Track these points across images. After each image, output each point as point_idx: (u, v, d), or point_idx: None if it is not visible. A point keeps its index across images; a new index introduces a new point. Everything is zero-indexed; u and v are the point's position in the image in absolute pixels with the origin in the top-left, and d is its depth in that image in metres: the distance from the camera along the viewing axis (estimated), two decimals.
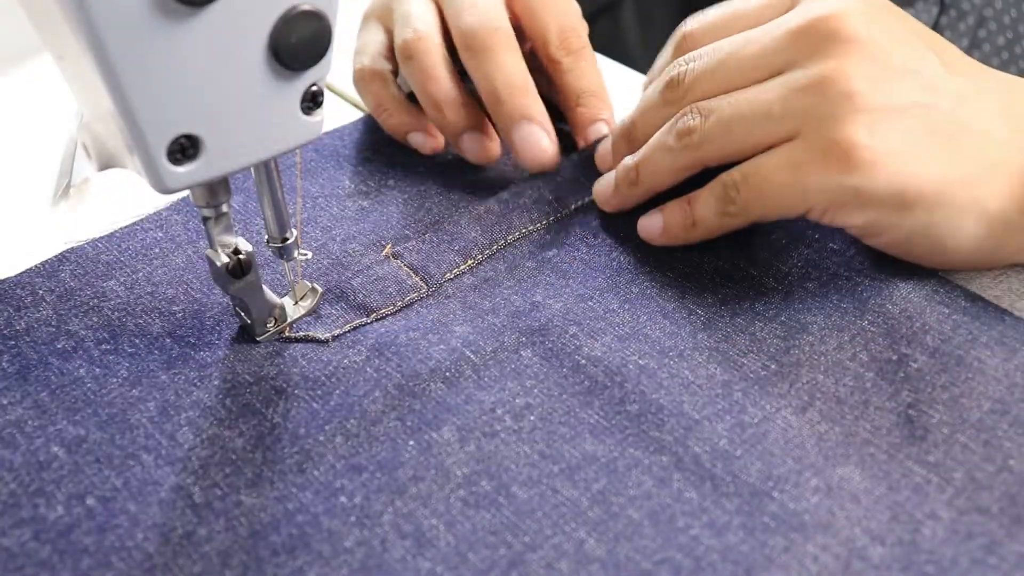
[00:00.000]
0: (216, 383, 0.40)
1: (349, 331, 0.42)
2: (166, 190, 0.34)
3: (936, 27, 0.72)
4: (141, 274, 0.45)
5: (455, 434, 0.37)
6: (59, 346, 0.42)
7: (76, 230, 0.48)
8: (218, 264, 0.39)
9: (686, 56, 0.44)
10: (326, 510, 0.35)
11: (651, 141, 0.45)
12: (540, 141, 0.48)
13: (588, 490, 0.36)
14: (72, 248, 0.46)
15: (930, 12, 0.72)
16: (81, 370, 0.41)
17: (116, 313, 0.43)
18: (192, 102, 0.33)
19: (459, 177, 0.51)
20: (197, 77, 0.32)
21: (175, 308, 0.44)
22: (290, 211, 0.41)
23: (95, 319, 0.43)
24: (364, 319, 0.43)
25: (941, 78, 0.40)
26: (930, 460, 0.36)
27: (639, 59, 0.89)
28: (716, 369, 0.40)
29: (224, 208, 0.38)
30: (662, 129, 0.44)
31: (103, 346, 0.42)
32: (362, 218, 0.49)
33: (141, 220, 0.48)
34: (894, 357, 0.39)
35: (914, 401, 0.38)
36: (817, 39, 0.40)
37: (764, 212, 0.42)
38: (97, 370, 0.41)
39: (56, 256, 0.46)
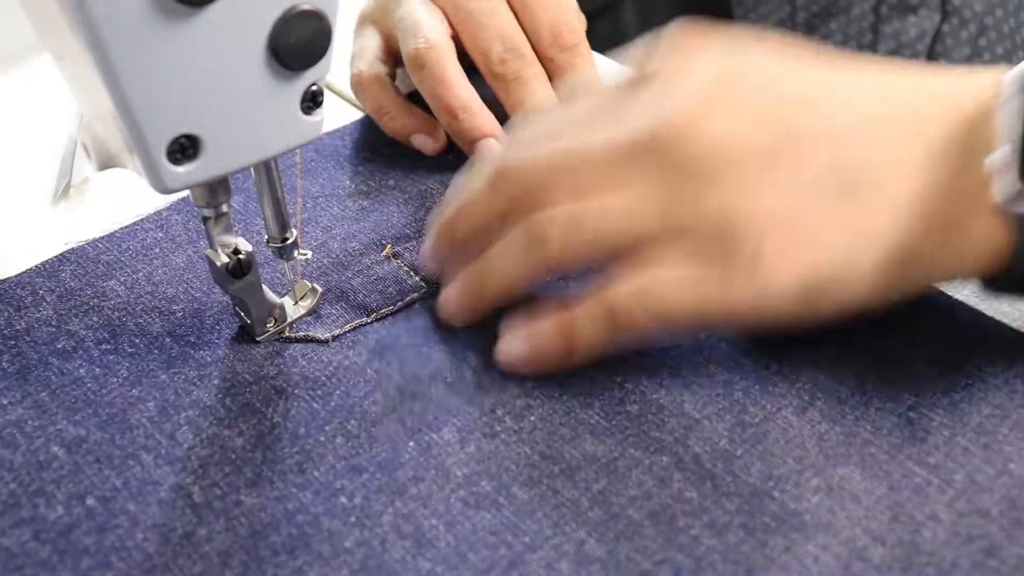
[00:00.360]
0: (216, 383, 0.40)
1: (349, 331, 0.42)
2: (166, 190, 0.34)
3: (938, 34, 0.72)
4: (141, 274, 0.45)
5: (455, 435, 0.37)
6: (59, 346, 0.42)
7: (76, 230, 0.48)
8: (218, 264, 0.39)
9: (519, 156, 0.41)
10: (326, 510, 0.35)
11: (497, 247, 0.41)
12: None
13: (588, 490, 0.36)
14: (72, 248, 0.46)
15: (932, 19, 0.72)
16: (81, 370, 0.41)
17: (116, 313, 0.43)
18: (192, 102, 0.33)
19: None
20: (197, 77, 0.32)
21: (175, 308, 0.44)
22: (290, 211, 0.41)
23: (95, 319, 0.43)
24: (364, 319, 0.43)
25: (805, 143, 0.38)
26: (931, 462, 0.36)
27: None
28: (716, 368, 0.40)
29: (224, 208, 0.38)
30: (513, 233, 0.40)
31: (103, 346, 0.42)
32: (362, 218, 0.49)
33: (141, 220, 0.48)
34: (894, 362, 0.39)
35: (915, 404, 0.38)
36: (663, 156, 0.38)
37: (662, 334, 0.39)
38: (97, 370, 0.41)
39: (56, 256, 0.46)
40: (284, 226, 0.41)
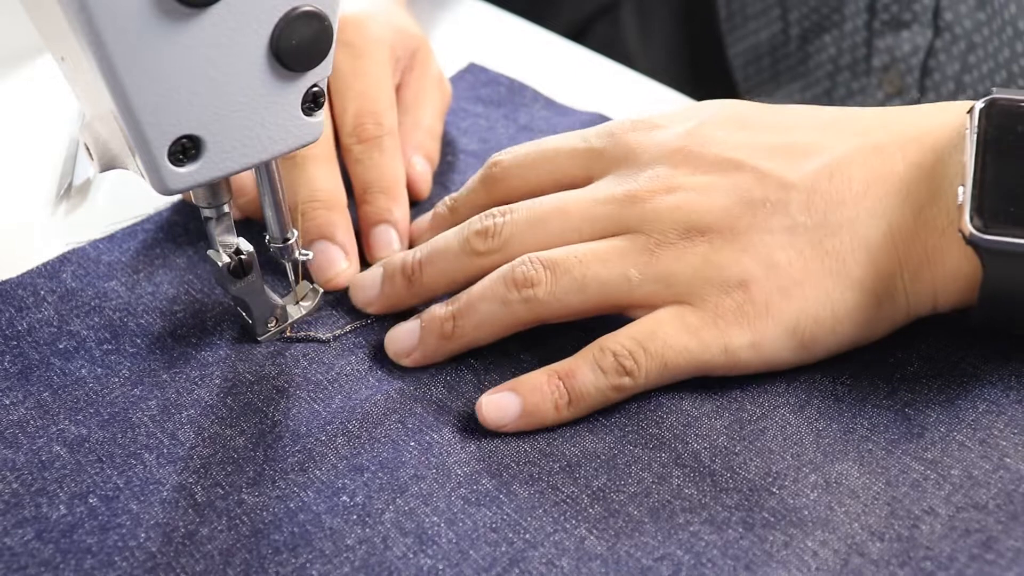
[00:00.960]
0: (217, 382, 0.40)
1: (350, 332, 0.42)
2: (168, 191, 0.34)
3: (931, 50, 0.73)
4: (142, 274, 0.45)
5: (455, 435, 0.38)
6: (61, 346, 0.42)
7: (77, 231, 0.49)
8: (219, 264, 0.39)
9: (499, 209, 0.41)
10: (328, 509, 0.35)
11: (476, 291, 0.40)
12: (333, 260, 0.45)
13: (588, 487, 0.36)
14: (73, 249, 0.46)
15: (925, 35, 0.73)
16: (83, 370, 0.41)
17: (117, 313, 0.43)
18: (193, 103, 0.33)
19: (460, 180, 0.52)
20: (198, 78, 0.32)
21: (176, 308, 0.44)
22: (301, 252, 0.41)
23: (96, 319, 0.43)
24: (365, 320, 0.43)
25: (782, 188, 0.38)
26: (928, 457, 0.36)
27: (639, 59, 0.89)
28: None
29: (225, 208, 0.39)
30: (492, 278, 0.39)
31: (104, 346, 0.42)
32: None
33: (142, 221, 0.48)
34: (890, 360, 0.39)
35: (911, 400, 0.38)
36: (643, 208, 0.39)
37: (662, 382, 0.38)
38: (99, 370, 0.41)
39: (58, 257, 0.46)
40: (285, 226, 0.41)
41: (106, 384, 0.40)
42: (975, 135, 0.36)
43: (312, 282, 0.44)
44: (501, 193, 0.44)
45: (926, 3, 0.71)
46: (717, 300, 0.38)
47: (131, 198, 0.50)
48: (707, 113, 0.42)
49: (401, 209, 0.46)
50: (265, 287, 0.41)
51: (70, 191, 0.52)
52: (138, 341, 0.42)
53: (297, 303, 0.43)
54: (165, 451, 0.38)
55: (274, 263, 0.44)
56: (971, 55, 0.70)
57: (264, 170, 0.39)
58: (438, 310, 0.40)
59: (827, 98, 0.84)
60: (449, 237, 0.42)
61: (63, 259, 0.46)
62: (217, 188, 0.38)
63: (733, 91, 0.89)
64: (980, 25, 0.68)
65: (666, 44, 0.93)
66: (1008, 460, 0.36)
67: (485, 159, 0.51)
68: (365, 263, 0.46)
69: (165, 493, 0.36)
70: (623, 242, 0.39)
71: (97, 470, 0.37)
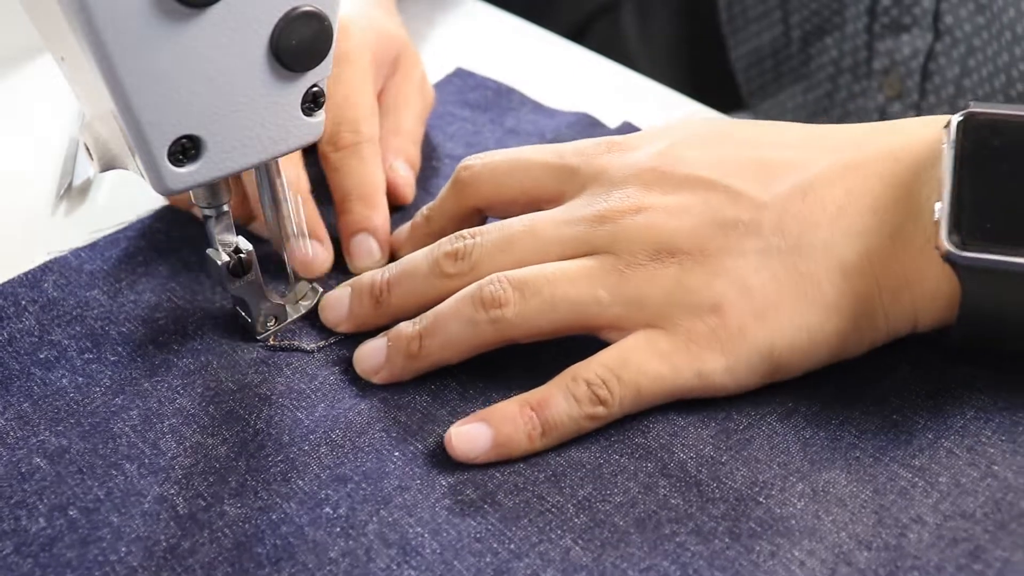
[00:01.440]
0: (200, 391, 0.40)
1: (335, 343, 0.42)
2: (168, 191, 0.35)
3: (931, 54, 0.73)
4: (124, 282, 0.45)
5: (440, 444, 0.37)
6: (42, 356, 0.41)
7: (77, 231, 0.49)
8: (219, 263, 0.39)
9: (469, 231, 0.41)
10: (311, 520, 0.35)
11: (444, 310, 0.39)
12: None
13: (574, 496, 0.35)
14: (55, 258, 0.46)
15: (925, 38, 0.73)
16: (64, 380, 0.40)
17: (99, 322, 0.43)
18: (193, 103, 0.33)
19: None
20: (198, 78, 0.32)
21: (158, 316, 0.43)
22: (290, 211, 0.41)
23: (78, 328, 0.43)
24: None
25: (754, 208, 0.38)
26: (916, 464, 0.36)
27: (639, 59, 0.89)
28: None
29: (225, 207, 0.39)
30: (460, 297, 0.39)
31: (86, 355, 0.41)
32: None
33: (123, 228, 0.48)
34: (879, 365, 0.39)
35: (899, 406, 0.38)
36: (613, 228, 0.38)
37: (636, 408, 0.38)
38: (80, 379, 0.40)
39: (39, 266, 0.46)
40: (284, 227, 0.41)
41: (87, 394, 0.40)
42: (952, 150, 0.35)
43: (311, 281, 0.44)
44: (471, 199, 0.43)
45: (926, 7, 0.71)
46: (690, 324, 0.37)
47: (131, 198, 0.50)
48: (681, 133, 0.41)
49: (380, 216, 0.46)
50: (264, 286, 0.41)
51: (70, 191, 0.52)
52: (120, 350, 0.42)
53: (296, 302, 0.43)
54: (147, 461, 0.37)
55: (273, 262, 0.44)
56: (971, 59, 0.70)
57: (264, 170, 0.39)
58: (405, 328, 0.40)
59: (828, 100, 0.84)
60: (418, 258, 0.41)
61: (45, 268, 0.45)
62: (217, 188, 0.38)
63: (735, 93, 0.89)
64: (979, 29, 0.68)
65: (666, 44, 0.93)
66: (996, 468, 0.35)
67: None
68: (349, 273, 0.45)
69: (147, 505, 0.36)
70: (593, 262, 0.38)
71: (77, 481, 0.37)
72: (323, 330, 0.43)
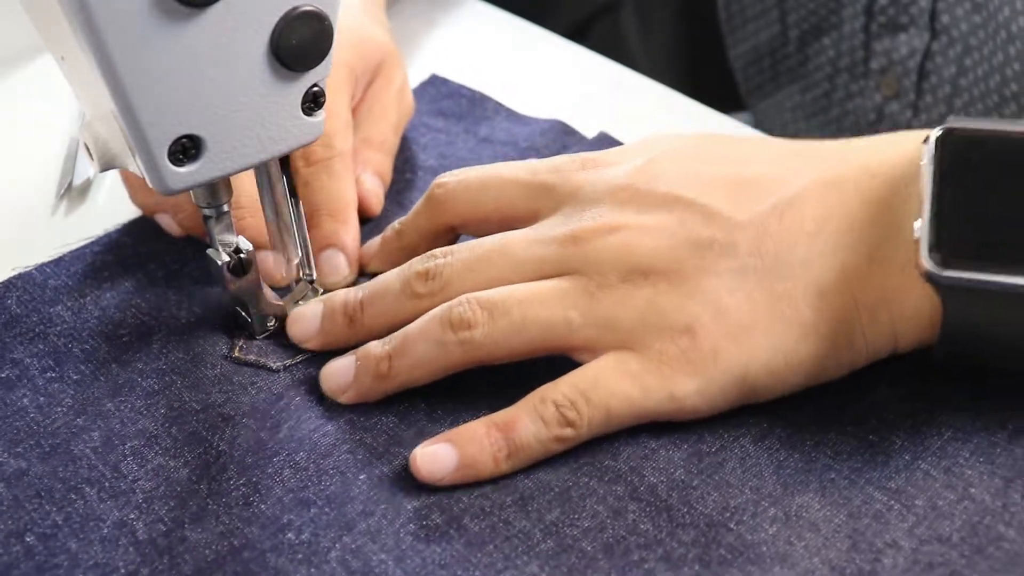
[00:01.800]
0: (163, 411, 0.39)
1: (301, 362, 0.41)
2: (168, 190, 0.35)
3: (928, 53, 0.73)
4: (89, 298, 0.44)
5: (406, 467, 0.36)
6: (3, 375, 0.41)
7: (77, 231, 0.48)
8: (219, 263, 0.39)
9: (441, 250, 0.40)
10: (273, 547, 0.34)
11: (413, 331, 0.38)
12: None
13: (541, 521, 0.35)
14: (19, 273, 0.45)
15: (922, 38, 0.72)
16: (25, 399, 0.40)
17: (62, 339, 0.42)
18: (194, 102, 0.33)
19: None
20: (199, 78, 0.33)
21: (122, 332, 0.42)
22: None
23: (40, 346, 0.42)
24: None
25: (731, 228, 0.37)
26: (891, 487, 0.35)
27: (639, 59, 0.89)
28: None
29: (225, 207, 0.39)
30: (429, 318, 0.38)
31: (48, 374, 0.41)
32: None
33: (90, 243, 0.47)
34: (857, 385, 0.38)
35: (875, 427, 0.37)
36: (586, 249, 0.38)
37: (606, 431, 0.37)
38: (41, 399, 0.40)
39: (2, 282, 0.45)
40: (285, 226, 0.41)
41: (48, 414, 0.39)
42: (931, 166, 0.34)
43: (311, 282, 0.43)
44: (444, 217, 0.42)
45: (923, 6, 0.71)
46: (662, 347, 0.36)
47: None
48: (659, 149, 0.41)
49: (350, 232, 0.45)
50: (264, 286, 0.41)
51: (70, 191, 0.52)
52: (82, 368, 0.41)
53: (296, 303, 0.43)
54: (107, 485, 0.36)
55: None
56: (967, 58, 0.70)
57: (264, 170, 0.39)
58: (374, 348, 0.39)
59: (826, 100, 0.84)
60: (390, 278, 0.41)
61: (8, 284, 0.44)
62: (217, 188, 0.38)
63: (734, 92, 0.89)
64: (976, 28, 0.68)
65: (666, 44, 0.93)
66: (973, 490, 0.35)
67: None
68: None
69: (105, 530, 0.35)
70: (565, 283, 0.38)
71: (35, 506, 0.36)
72: (289, 346, 0.42)
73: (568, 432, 0.36)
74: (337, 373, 0.39)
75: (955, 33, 0.70)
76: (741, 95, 0.89)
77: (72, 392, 0.40)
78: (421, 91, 0.57)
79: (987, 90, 0.68)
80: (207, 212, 0.38)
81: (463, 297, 0.38)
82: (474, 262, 0.39)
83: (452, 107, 0.56)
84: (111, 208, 0.50)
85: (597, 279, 0.37)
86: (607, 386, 0.36)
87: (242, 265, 0.40)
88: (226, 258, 0.39)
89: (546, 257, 0.38)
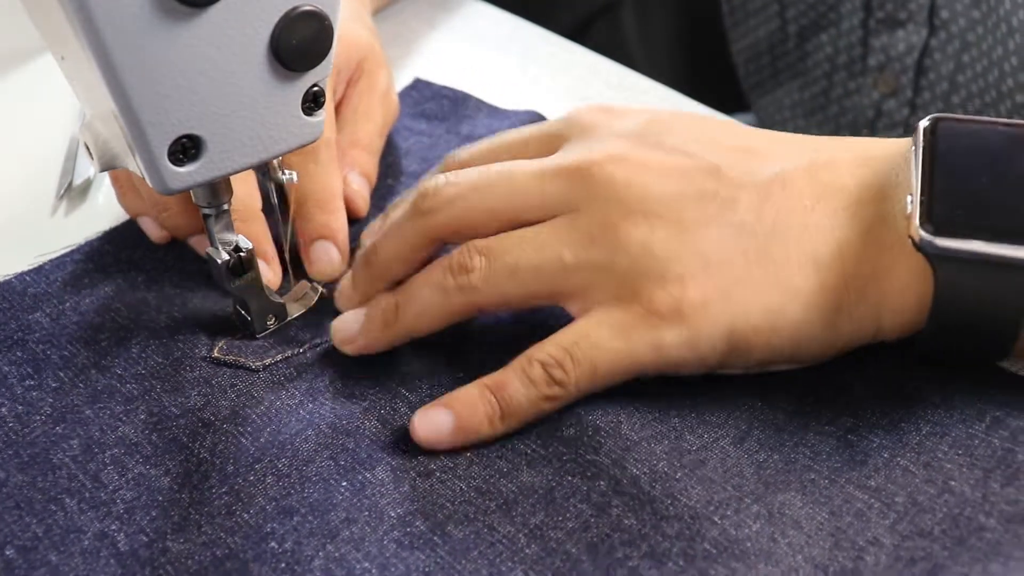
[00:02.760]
0: (142, 417, 0.39)
1: (281, 361, 0.41)
2: (168, 190, 0.35)
3: (926, 48, 0.73)
4: (68, 304, 0.44)
5: (389, 474, 0.36)
6: None
7: (77, 231, 0.48)
8: (219, 261, 0.39)
9: (446, 173, 0.40)
10: (255, 556, 0.34)
11: (418, 277, 0.40)
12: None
13: (525, 525, 0.35)
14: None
15: (920, 34, 0.73)
16: (3, 408, 0.39)
17: (41, 345, 0.42)
18: (194, 102, 0.33)
19: None
20: (199, 78, 0.33)
21: (101, 337, 0.42)
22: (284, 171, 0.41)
23: (19, 354, 0.41)
24: (297, 349, 0.41)
25: (734, 186, 0.37)
26: (871, 484, 0.35)
27: (639, 59, 0.89)
28: (652, 391, 0.38)
29: (225, 206, 0.39)
30: (433, 265, 0.39)
31: (27, 382, 0.40)
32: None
33: (71, 251, 0.47)
34: (833, 382, 0.38)
35: (853, 425, 0.37)
36: (591, 182, 0.38)
37: (595, 387, 0.37)
38: (20, 407, 0.39)
39: None
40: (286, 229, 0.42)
41: (27, 423, 0.39)
42: (921, 148, 0.35)
43: (311, 281, 0.44)
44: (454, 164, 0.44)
45: (922, 1, 0.71)
46: (651, 294, 0.36)
47: None
48: (667, 113, 0.41)
49: (339, 222, 0.45)
50: (264, 284, 0.41)
51: (70, 191, 0.52)
52: (61, 375, 0.41)
53: (296, 301, 0.43)
54: (87, 495, 0.36)
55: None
56: (965, 54, 0.70)
57: (265, 170, 0.40)
58: (384, 297, 0.40)
59: (824, 98, 0.84)
60: (398, 211, 0.42)
61: None
62: (217, 188, 0.38)
63: (735, 92, 0.89)
64: (975, 23, 0.68)
65: (666, 44, 0.94)
66: (953, 483, 0.35)
67: None
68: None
69: (86, 542, 0.35)
70: (563, 223, 0.38)
71: (15, 518, 0.35)
72: (269, 346, 0.42)
73: (557, 391, 0.37)
74: (347, 324, 0.41)
75: (954, 28, 0.70)
76: (743, 92, 0.89)
77: (51, 400, 0.40)
78: (404, 95, 0.57)
79: (985, 86, 0.68)
80: (207, 211, 0.38)
81: (468, 244, 0.39)
82: (479, 183, 0.39)
83: (435, 109, 0.56)
84: (111, 208, 0.50)
85: (598, 217, 0.37)
86: (593, 341, 0.36)
87: (242, 264, 0.40)
88: (226, 256, 0.39)
89: (551, 191, 0.39)
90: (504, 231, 0.39)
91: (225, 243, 0.40)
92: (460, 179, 0.40)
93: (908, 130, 0.77)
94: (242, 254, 0.40)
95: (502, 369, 0.37)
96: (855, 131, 0.81)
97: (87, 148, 0.36)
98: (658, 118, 0.41)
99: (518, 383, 0.37)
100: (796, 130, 0.85)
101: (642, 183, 0.37)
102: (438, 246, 0.41)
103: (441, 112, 0.56)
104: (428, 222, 0.40)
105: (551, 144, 0.42)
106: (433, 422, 0.37)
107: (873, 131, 0.80)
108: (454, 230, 0.40)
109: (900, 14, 0.73)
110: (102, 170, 0.36)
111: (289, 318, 0.43)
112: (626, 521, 0.34)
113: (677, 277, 0.36)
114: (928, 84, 0.74)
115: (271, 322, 0.42)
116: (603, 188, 0.38)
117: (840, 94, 0.81)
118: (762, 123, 0.87)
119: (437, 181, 0.40)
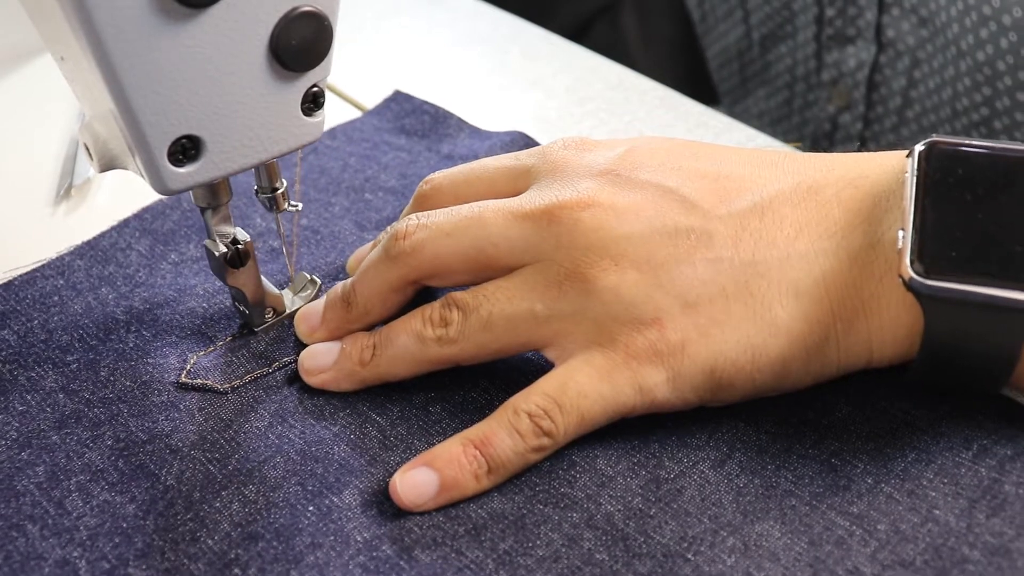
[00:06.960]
0: (109, 443, 0.38)
1: (249, 381, 0.40)
2: (167, 191, 0.35)
3: (875, 65, 0.73)
4: (36, 322, 0.43)
5: (357, 497, 0.36)
6: None
7: (77, 231, 0.48)
8: (216, 254, 0.39)
9: (417, 214, 0.40)
10: None
11: (397, 323, 0.39)
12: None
13: (494, 550, 0.34)
14: None
15: (869, 51, 0.73)
16: None
17: (7, 365, 0.41)
18: (193, 103, 0.33)
19: (378, 218, 0.50)
20: (198, 78, 0.33)
21: (69, 358, 0.41)
22: (291, 204, 0.41)
23: None
24: (266, 368, 0.41)
25: (710, 219, 0.36)
26: (853, 511, 0.34)
27: (639, 59, 0.89)
28: (632, 420, 0.38)
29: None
30: (414, 312, 0.39)
31: None
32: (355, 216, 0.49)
33: (42, 267, 0.46)
34: (817, 404, 0.37)
35: (837, 449, 0.36)
36: (559, 229, 0.37)
37: (582, 433, 0.36)
38: None
39: None
40: (275, 175, 0.40)
41: None
42: (915, 178, 0.34)
43: (310, 273, 0.44)
44: (434, 207, 0.42)
45: (869, 19, 0.71)
46: (628, 339, 0.35)
47: (131, 198, 0.50)
48: (642, 142, 0.40)
49: None
50: (262, 277, 0.41)
51: (70, 191, 0.52)
52: (28, 398, 0.40)
53: (295, 294, 0.43)
54: (50, 522, 0.35)
55: (271, 254, 0.44)
56: (916, 71, 0.70)
57: (264, 170, 0.39)
58: (362, 336, 0.40)
59: (787, 107, 0.83)
60: (372, 253, 0.41)
61: None
62: (217, 188, 0.38)
63: None
64: (923, 42, 0.68)
65: (666, 44, 0.93)
66: (937, 512, 0.34)
67: (405, 195, 0.49)
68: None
69: (47, 569, 0.34)
70: (533, 272, 0.37)
71: None
72: (238, 363, 0.41)
73: (545, 441, 0.36)
74: (318, 354, 0.40)
75: (901, 47, 0.70)
76: (719, 95, 0.89)
77: (16, 424, 0.39)
78: (384, 108, 0.57)
79: (939, 102, 0.68)
80: (203, 204, 0.38)
81: (447, 296, 0.38)
82: (451, 230, 0.39)
83: (415, 125, 0.55)
84: (111, 208, 0.50)
85: (567, 267, 0.36)
86: (577, 388, 0.36)
87: (239, 256, 0.39)
88: (224, 249, 0.39)
89: (520, 237, 0.38)
90: (478, 272, 0.38)
91: (223, 235, 0.39)
92: (431, 221, 0.39)
93: (864, 143, 0.77)
94: (240, 246, 0.39)
95: (485, 420, 0.36)
96: (815, 142, 0.81)
97: (87, 149, 0.36)
98: (632, 150, 0.39)
99: (504, 435, 0.35)
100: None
101: (610, 226, 0.37)
102: (416, 287, 0.40)
103: (422, 128, 0.55)
104: (401, 267, 0.39)
105: (524, 180, 0.41)
106: (416, 484, 0.35)
107: (832, 143, 0.80)
108: (428, 274, 0.39)
109: (849, 31, 0.73)
110: (102, 170, 0.36)
111: (288, 311, 0.42)
112: (598, 556, 0.33)
113: (653, 319, 0.35)
114: (880, 99, 0.74)
115: (269, 315, 0.42)
116: (569, 235, 0.37)
117: (800, 105, 0.81)
118: None
119: (408, 223, 0.39)
